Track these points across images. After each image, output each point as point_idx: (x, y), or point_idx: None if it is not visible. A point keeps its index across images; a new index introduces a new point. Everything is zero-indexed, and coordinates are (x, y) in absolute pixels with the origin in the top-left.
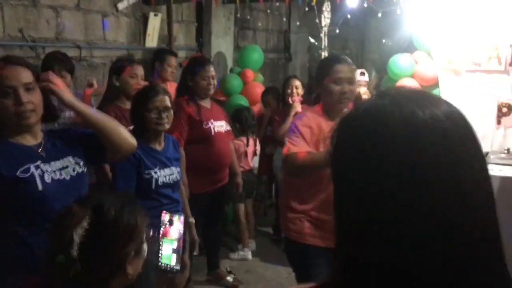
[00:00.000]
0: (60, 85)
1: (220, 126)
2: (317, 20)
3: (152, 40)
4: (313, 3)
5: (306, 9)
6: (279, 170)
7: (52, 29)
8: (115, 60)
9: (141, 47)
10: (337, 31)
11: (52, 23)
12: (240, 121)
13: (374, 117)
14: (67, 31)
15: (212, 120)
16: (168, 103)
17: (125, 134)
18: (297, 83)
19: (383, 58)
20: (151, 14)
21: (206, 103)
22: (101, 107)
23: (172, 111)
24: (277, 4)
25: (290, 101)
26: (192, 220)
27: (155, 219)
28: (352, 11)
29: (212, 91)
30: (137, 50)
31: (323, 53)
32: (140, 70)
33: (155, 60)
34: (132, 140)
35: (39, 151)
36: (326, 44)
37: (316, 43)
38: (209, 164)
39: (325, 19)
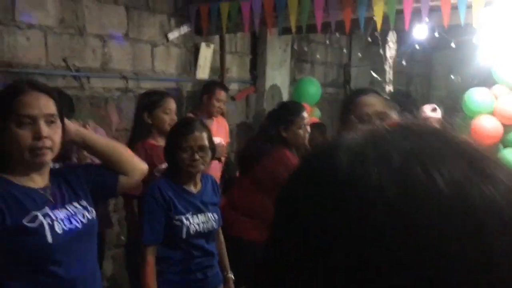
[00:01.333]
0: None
1: None
2: (381, 51)
3: (203, 72)
4: (377, 31)
5: (369, 39)
6: None
7: (98, 58)
8: (142, 94)
9: (192, 78)
10: (404, 63)
11: (98, 52)
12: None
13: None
14: (114, 61)
15: None
16: (205, 142)
17: (134, 156)
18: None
19: (451, 95)
20: (203, 45)
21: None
22: (129, 145)
23: (209, 151)
24: (337, 35)
25: None
26: (230, 275)
27: (183, 275)
28: (420, 42)
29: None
30: (187, 82)
31: (387, 87)
32: (173, 104)
33: (203, 93)
34: (142, 164)
35: (47, 195)
36: (391, 77)
37: (378, 77)
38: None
39: (390, 50)
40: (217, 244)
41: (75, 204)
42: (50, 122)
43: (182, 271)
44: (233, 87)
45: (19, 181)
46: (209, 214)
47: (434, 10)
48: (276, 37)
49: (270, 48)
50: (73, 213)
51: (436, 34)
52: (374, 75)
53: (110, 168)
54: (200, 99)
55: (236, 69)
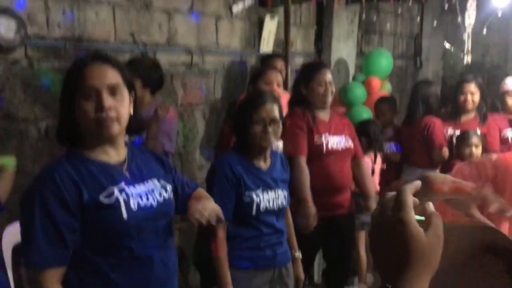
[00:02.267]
0: None
1: (337, 142)
2: (459, 20)
3: (267, 45)
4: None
5: (446, 6)
6: None
7: (164, 33)
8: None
9: (256, 52)
10: (484, 31)
11: (164, 27)
12: (368, 135)
13: None
14: (179, 35)
15: (326, 135)
16: (277, 114)
17: None
18: (473, 88)
19: None
20: (267, 17)
21: (324, 115)
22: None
23: (280, 124)
24: (410, 4)
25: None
26: (298, 254)
27: (252, 252)
28: (501, 9)
29: (329, 99)
30: (251, 55)
31: (465, 58)
32: (275, 76)
33: (262, 66)
34: None
35: (123, 170)
36: (470, 47)
37: (452, 49)
38: (320, 184)
39: (470, 17)
40: (286, 222)
41: (154, 180)
42: (114, 92)
43: (251, 248)
44: (298, 60)
45: (94, 156)
46: (279, 191)
47: None
48: (344, 7)
49: (336, 19)
50: (150, 189)
51: None
52: (447, 46)
53: None
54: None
55: (301, 42)
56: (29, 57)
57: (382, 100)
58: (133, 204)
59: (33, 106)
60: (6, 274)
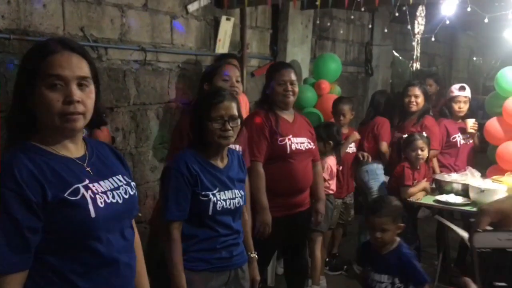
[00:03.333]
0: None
1: (300, 143)
2: (409, 27)
3: (223, 46)
4: (408, 5)
5: (396, 14)
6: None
7: (116, 29)
8: (209, 65)
9: (211, 53)
10: (433, 39)
11: (117, 23)
12: (332, 137)
13: None
14: (132, 32)
15: (290, 136)
16: (235, 112)
17: None
18: (418, 91)
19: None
20: (223, 18)
21: (288, 115)
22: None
23: (239, 122)
24: (363, 9)
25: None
26: (253, 255)
27: (208, 253)
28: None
29: (291, 99)
30: (206, 56)
31: (414, 65)
32: (233, 71)
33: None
34: None
35: (85, 166)
36: (419, 54)
37: (400, 57)
38: (283, 185)
39: (419, 25)
40: (242, 222)
41: (119, 177)
42: (82, 85)
43: (207, 249)
44: (253, 63)
45: (52, 149)
46: (236, 191)
47: None
48: (299, 12)
49: (291, 24)
50: (115, 187)
51: (469, 9)
52: (396, 54)
53: None
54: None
55: (256, 44)
56: None
57: (343, 100)
58: (100, 202)
59: None
60: None
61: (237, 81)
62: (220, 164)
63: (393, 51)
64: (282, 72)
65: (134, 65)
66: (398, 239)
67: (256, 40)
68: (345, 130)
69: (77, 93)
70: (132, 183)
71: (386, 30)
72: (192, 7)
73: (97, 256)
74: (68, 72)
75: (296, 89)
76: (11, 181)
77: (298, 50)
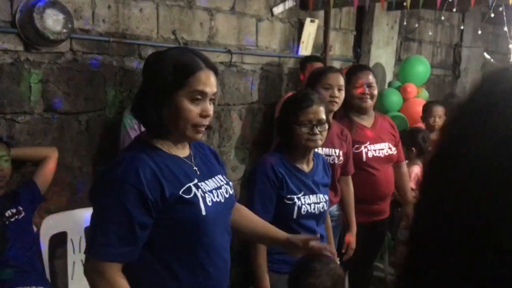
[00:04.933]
0: None
1: (379, 149)
2: (505, 28)
3: (306, 48)
4: (507, 4)
5: (492, 15)
6: None
7: (205, 32)
8: (313, 71)
9: (294, 55)
10: None
11: (206, 26)
12: (418, 144)
13: None
14: (220, 34)
15: (367, 144)
16: (323, 116)
17: None
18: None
19: None
20: (307, 20)
21: (366, 120)
22: None
23: (327, 126)
24: (455, 10)
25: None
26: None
27: (291, 256)
28: None
29: (368, 103)
30: (289, 58)
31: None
32: (336, 79)
33: (301, 70)
34: None
35: (193, 166)
36: None
37: (492, 59)
38: (361, 194)
39: None
40: (325, 227)
41: (220, 177)
42: (211, 100)
43: None
44: (336, 64)
45: (167, 149)
46: (320, 195)
47: None
48: (385, 13)
49: (376, 25)
50: (219, 186)
51: None
52: (488, 56)
53: None
54: (298, 77)
55: (339, 46)
56: (74, 50)
57: (436, 102)
58: (208, 201)
59: (75, 99)
60: (43, 264)
61: (339, 90)
62: (306, 168)
63: (485, 53)
64: (358, 74)
65: (220, 66)
66: None
67: (339, 42)
68: (434, 136)
69: (211, 109)
70: (230, 183)
71: (480, 32)
72: (277, 10)
73: (208, 251)
74: (208, 89)
75: (375, 92)
76: (134, 178)
77: (382, 52)
